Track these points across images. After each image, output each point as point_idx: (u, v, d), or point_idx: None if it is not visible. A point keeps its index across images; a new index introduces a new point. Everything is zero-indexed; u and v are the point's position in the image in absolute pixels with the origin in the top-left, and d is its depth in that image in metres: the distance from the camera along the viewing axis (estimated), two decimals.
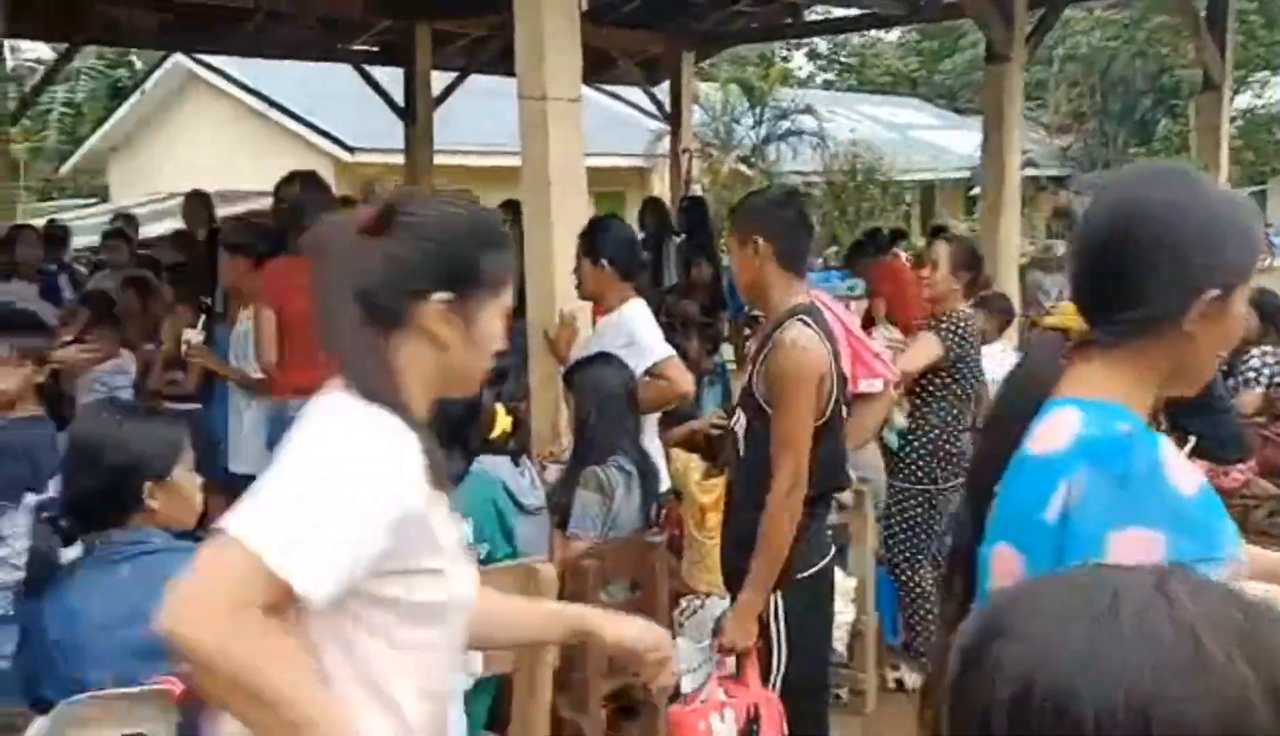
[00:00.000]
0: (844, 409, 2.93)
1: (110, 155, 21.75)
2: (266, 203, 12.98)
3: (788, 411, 2.76)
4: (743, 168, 22.21)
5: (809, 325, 2.79)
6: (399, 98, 10.57)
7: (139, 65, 22.95)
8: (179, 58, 18.35)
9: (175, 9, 9.47)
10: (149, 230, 16.78)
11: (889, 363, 3.40)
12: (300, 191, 4.65)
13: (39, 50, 21.82)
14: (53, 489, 3.61)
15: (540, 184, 4.42)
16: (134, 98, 20.79)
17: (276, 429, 4.40)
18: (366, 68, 10.57)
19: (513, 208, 8.58)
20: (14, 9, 7.91)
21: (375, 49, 10.95)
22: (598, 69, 12.91)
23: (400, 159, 15.54)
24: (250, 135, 19.60)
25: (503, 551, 2.88)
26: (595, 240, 3.94)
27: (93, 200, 21.98)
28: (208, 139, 20.16)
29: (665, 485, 3.88)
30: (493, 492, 2.92)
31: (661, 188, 24.36)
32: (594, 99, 22.31)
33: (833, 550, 3.03)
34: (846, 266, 7.57)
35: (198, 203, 8.45)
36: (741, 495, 2.98)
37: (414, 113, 10.27)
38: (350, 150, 18.43)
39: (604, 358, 3.68)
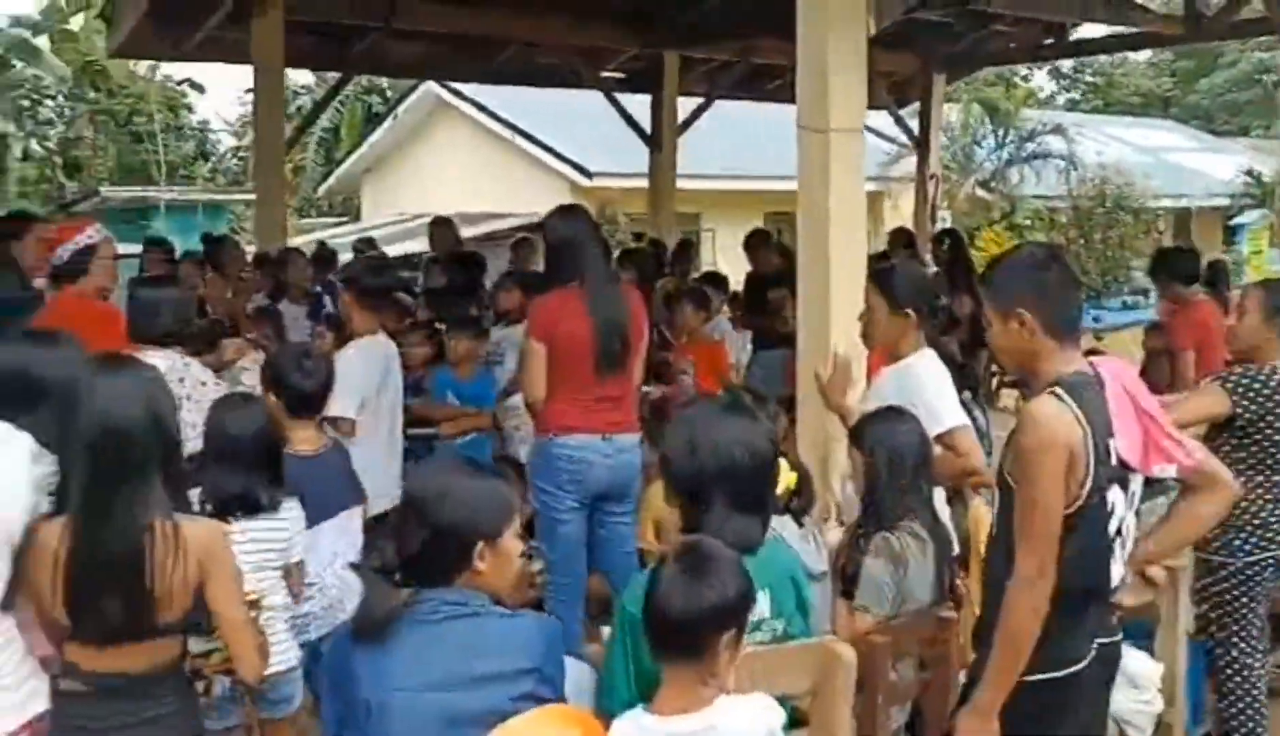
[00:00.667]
0: (1109, 498, 2.54)
1: (363, 177, 22.97)
2: (508, 223, 13.30)
3: (1027, 492, 2.47)
4: (982, 192, 21.36)
5: (1060, 397, 2.48)
6: (642, 121, 10.59)
7: (390, 92, 24.15)
8: (429, 84, 19.13)
9: (439, 41, 9.80)
10: (397, 250, 17.60)
11: (1189, 447, 2.90)
12: (566, 223, 4.56)
13: (302, 76, 23.35)
14: (331, 532, 3.65)
15: (819, 220, 4.21)
16: (387, 123, 21.85)
17: (541, 464, 4.34)
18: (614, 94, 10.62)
19: (760, 236, 8.45)
20: (289, 40, 8.32)
21: (622, 76, 11.00)
22: None
23: (637, 183, 15.76)
24: (493, 158, 20.26)
25: (798, 627, 2.65)
26: (893, 284, 3.67)
27: (344, 219, 23.26)
28: (453, 162, 20.98)
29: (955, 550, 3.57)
30: (790, 562, 2.70)
31: (894, 212, 23.78)
32: None
33: (1089, 657, 2.59)
34: (1154, 281, 6.52)
35: (444, 227, 8.64)
36: (989, 577, 2.70)
37: (659, 139, 10.25)
38: (589, 174, 18.77)
39: (896, 412, 3.40)
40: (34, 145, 22.98)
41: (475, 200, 20.61)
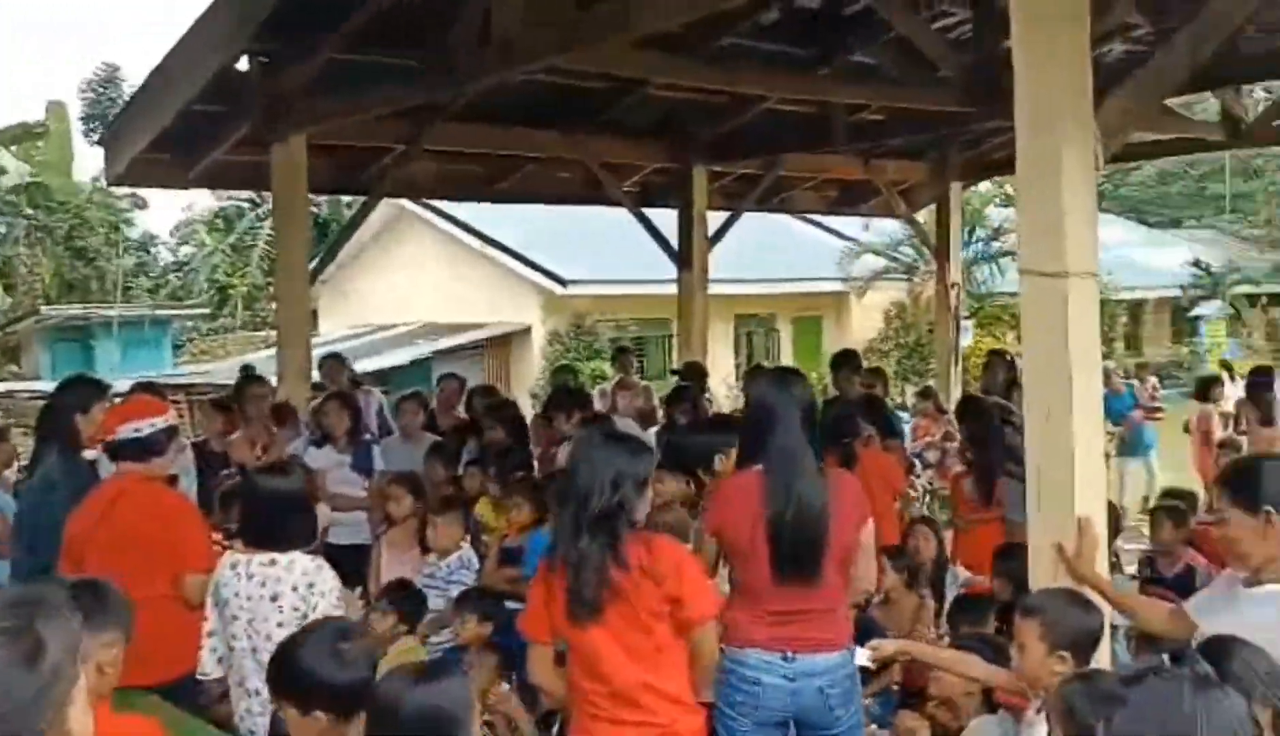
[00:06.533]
0: None
1: (319, 287, 22.13)
2: (480, 334, 12.87)
3: None
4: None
5: None
6: (666, 233, 10.12)
7: (346, 199, 23.39)
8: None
9: (459, 159, 9.34)
10: (370, 364, 16.81)
11: None
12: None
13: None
14: None
15: (1058, 368, 3.70)
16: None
17: None
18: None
19: (849, 358, 7.92)
20: (314, 166, 7.71)
21: (637, 189, 10.57)
22: (855, 199, 12.38)
23: (613, 289, 15.42)
24: (462, 268, 19.66)
25: None
26: (1257, 485, 2.94)
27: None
28: (418, 270, 20.34)
29: None
30: None
31: (858, 311, 23.63)
32: (785, 224, 21.78)
33: None
34: None
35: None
36: None
37: (689, 256, 9.79)
38: (563, 283, 18.29)
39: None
40: None
41: (445, 310, 19.93)
